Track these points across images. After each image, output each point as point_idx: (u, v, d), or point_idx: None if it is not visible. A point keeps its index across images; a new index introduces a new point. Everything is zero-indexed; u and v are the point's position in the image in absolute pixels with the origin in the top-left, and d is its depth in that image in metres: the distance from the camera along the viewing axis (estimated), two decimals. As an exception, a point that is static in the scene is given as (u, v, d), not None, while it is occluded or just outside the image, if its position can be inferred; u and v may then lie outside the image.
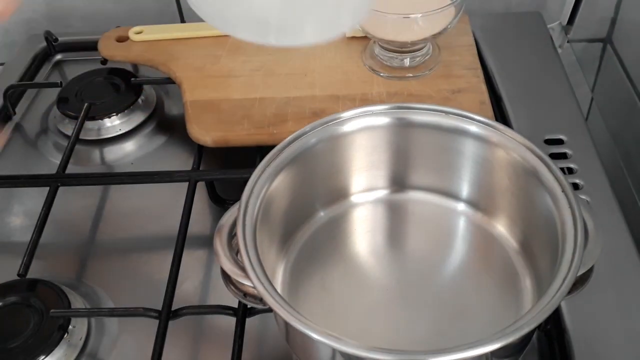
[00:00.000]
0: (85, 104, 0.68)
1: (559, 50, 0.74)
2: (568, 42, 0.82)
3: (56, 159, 0.63)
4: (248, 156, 0.60)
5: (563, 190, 0.43)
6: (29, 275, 0.52)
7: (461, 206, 0.52)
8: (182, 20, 0.86)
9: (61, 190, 0.59)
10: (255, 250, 0.41)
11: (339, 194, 0.53)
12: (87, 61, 0.78)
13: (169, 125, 0.70)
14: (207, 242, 0.56)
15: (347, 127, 0.50)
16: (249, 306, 0.49)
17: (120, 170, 0.65)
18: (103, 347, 0.51)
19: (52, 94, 0.72)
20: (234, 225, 0.44)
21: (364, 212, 0.53)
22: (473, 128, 0.49)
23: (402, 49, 0.65)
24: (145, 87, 0.72)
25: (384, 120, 0.50)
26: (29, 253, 0.53)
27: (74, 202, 0.62)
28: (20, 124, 0.72)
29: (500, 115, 0.66)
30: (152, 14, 0.85)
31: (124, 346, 0.51)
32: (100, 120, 0.68)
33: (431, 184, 0.52)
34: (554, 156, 0.60)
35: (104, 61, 0.74)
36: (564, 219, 0.42)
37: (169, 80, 0.69)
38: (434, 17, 0.61)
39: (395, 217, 0.54)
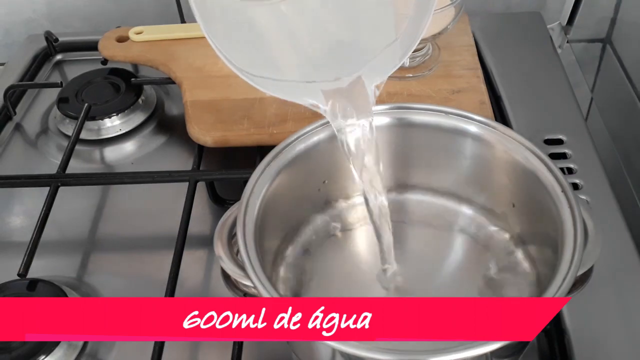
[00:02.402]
0: (86, 104, 0.68)
1: (559, 51, 0.74)
2: (568, 42, 0.82)
3: (56, 159, 0.64)
4: (248, 156, 0.60)
5: (563, 191, 0.43)
6: (29, 275, 0.52)
7: (461, 206, 0.52)
8: (182, 21, 0.86)
9: (61, 190, 0.59)
10: (255, 250, 0.41)
11: (339, 194, 0.53)
12: (87, 61, 0.78)
13: (169, 125, 0.70)
14: (207, 242, 0.56)
15: (347, 127, 0.50)
16: (249, 306, 0.49)
17: (121, 170, 0.65)
18: (103, 347, 0.50)
19: (53, 94, 0.72)
20: (234, 225, 0.44)
21: (364, 212, 0.53)
22: (473, 128, 0.49)
23: (402, 49, 0.65)
24: (146, 87, 0.72)
25: (384, 120, 0.50)
26: (29, 253, 0.53)
27: (74, 202, 0.62)
28: (21, 124, 0.72)
29: (500, 116, 0.66)
30: (153, 14, 0.85)
31: (124, 347, 0.51)
32: (100, 121, 0.68)
33: (431, 184, 0.52)
34: (554, 156, 0.60)
35: (105, 61, 0.74)
36: (564, 219, 0.42)
37: (169, 81, 0.69)
38: (434, 17, 0.60)
39: (395, 217, 0.54)
